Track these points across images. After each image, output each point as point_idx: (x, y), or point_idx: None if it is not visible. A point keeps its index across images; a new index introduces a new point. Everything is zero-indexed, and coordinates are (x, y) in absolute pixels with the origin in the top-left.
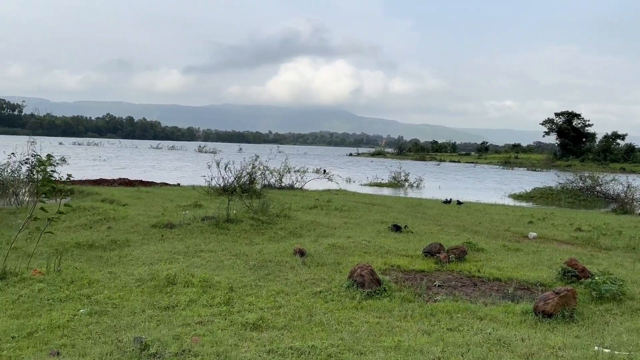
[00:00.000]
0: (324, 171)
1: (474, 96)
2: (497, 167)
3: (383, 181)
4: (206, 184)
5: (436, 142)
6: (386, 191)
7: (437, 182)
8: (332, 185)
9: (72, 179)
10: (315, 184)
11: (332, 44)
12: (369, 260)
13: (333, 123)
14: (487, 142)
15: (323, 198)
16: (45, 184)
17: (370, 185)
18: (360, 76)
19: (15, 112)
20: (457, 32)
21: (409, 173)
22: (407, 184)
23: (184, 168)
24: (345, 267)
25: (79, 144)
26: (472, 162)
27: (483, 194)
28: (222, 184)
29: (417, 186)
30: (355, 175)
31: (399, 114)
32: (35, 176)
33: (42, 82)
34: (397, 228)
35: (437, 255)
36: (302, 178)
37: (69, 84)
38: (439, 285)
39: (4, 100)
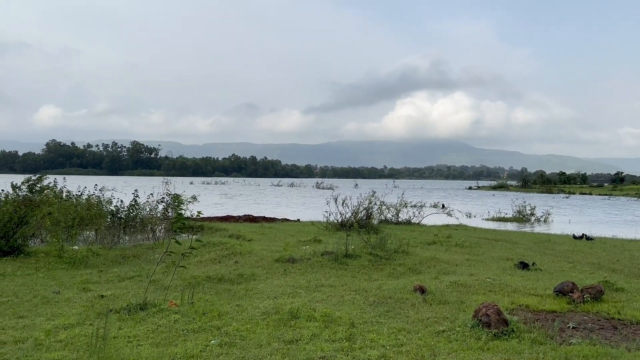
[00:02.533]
0: (442, 206)
1: (606, 123)
2: (636, 199)
3: (507, 215)
4: (324, 220)
5: (564, 173)
6: (510, 226)
7: (566, 216)
8: (452, 220)
9: (201, 215)
10: (433, 219)
11: (450, 77)
12: (494, 299)
13: (450, 156)
14: (622, 172)
15: (442, 233)
16: (177, 220)
17: (493, 220)
18: (480, 107)
19: (152, 155)
20: (581, 57)
21: (535, 207)
22: (533, 218)
23: (304, 204)
24: (469, 306)
25: (208, 183)
26: (605, 194)
27: (620, 228)
28: (339, 220)
29: (545, 221)
30: (476, 209)
31: (522, 145)
32: (170, 213)
33: (176, 126)
34: (524, 265)
35: (570, 294)
36: (419, 213)
37: (200, 127)
38: (572, 327)
39: (143, 144)
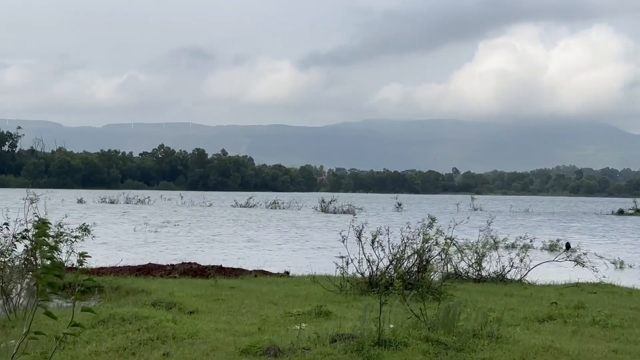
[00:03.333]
0: (567, 246)
1: None
2: None
3: None
4: (338, 274)
5: None
6: None
7: None
8: (585, 275)
9: (92, 264)
10: (549, 272)
11: None
12: None
13: (582, 151)
14: None
15: (567, 300)
16: (48, 273)
17: None
18: None
19: (5, 148)
20: None
21: None
22: None
23: (297, 243)
24: None
25: (112, 201)
26: None
27: None
28: (366, 273)
29: None
30: (634, 254)
31: None
32: (38, 260)
33: (54, 93)
34: None
35: None
36: (522, 261)
37: (100, 94)
38: None
39: None
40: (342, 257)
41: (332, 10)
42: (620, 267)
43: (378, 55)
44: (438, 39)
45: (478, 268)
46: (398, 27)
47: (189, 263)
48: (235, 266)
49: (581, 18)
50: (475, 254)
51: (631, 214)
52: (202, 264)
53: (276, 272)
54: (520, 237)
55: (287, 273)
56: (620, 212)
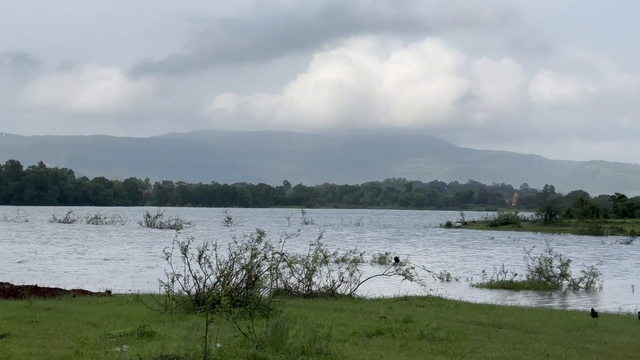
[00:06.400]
0: (396, 260)
1: None
2: None
3: (517, 278)
4: (163, 291)
5: (622, 196)
6: (524, 298)
7: (626, 279)
8: (414, 288)
9: None
10: (378, 285)
11: (418, 10)
12: None
13: (413, 164)
14: None
15: (396, 314)
16: None
17: (491, 286)
18: (473, 69)
19: None
20: None
21: (569, 261)
22: (565, 283)
23: (120, 259)
24: None
25: None
26: None
27: None
28: (193, 290)
29: (587, 288)
30: (460, 267)
31: (547, 143)
32: None
33: None
34: None
35: None
36: (352, 275)
37: None
38: None
39: None
40: (167, 274)
41: (165, 18)
42: (447, 280)
43: (213, 64)
44: (274, 49)
45: (308, 283)
46: (234, 37)
47: (1, 283)
48: (52, 286)
49: (415, 31)
50: (305, 269)
51: (458, 227)
52: (16, 283)
53: (96, 291)
54: (351, 251)
55: (109, 292)
56: (448, 225)
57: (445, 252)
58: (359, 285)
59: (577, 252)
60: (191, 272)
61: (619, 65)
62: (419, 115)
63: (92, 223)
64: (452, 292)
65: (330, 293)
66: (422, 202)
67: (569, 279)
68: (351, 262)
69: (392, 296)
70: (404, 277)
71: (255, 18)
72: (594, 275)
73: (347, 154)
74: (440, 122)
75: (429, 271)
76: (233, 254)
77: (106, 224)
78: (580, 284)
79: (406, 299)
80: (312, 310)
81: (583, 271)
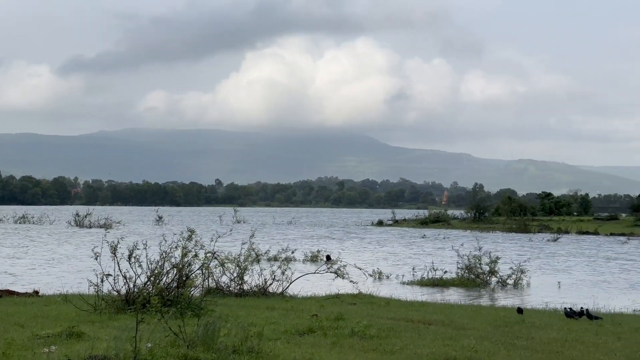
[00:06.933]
0: (328, 258)
1: (623, 106)
2: None
3: (447, 275)
4: (92, 291)
5: (549, 194)
6: (453, 294)
7: (553, 275)
8: (345, 286)
9: None
10: (310, 284)
11: (350, 10)
12: None
13: (345, 163)
14: None
15: (328, 312)
16: None
17: (422, 284)
18: (405, 69)
19: None
20: None
21: (497, 258)
22: (493, 280)
23: (45, 258)
24: None
25: None
26: (622, 234)
27: None
28: (123, 290)
29: (515, 284)
30: (391, 265)
31: (477, 143)
32: None
33: None
34: None
35: None
36: (284, 273)
37: None
38: None
39: None
40: (96, 274)
41: (96, 15)
42: (379, 278)
43: (144, 62)
44: (206, 48)
45: (240, 282)
46: (166, 35)
47: None
48: None
49: (348, 31)
50: (237, 268)
51: (390, 225)
52: None
53: (24, 291)
54: (283, 250)
55: (37, 292)
56: (380, 223)
57: (377, 250)
58: (290, 283)
59: (505, 249)
60: (121, 271)
61: (546, 66)
62: (352, 114)
63: (20, 222)
64: (384, 289)
65: (262, 292)
66: (354, 201)
67: (498, 275)
68: (283, 260)
69: (324, 294)
70: (335, 275)
71: (187, 16)
72: (522, 272)
73: (279, 153)
74: (372, 121)
75: (361, 269)
76: (163, 253)
77: (34, 223)
78: (509, 281)
79: (338, 297)
80: (243, 309)
81: (511, 268)
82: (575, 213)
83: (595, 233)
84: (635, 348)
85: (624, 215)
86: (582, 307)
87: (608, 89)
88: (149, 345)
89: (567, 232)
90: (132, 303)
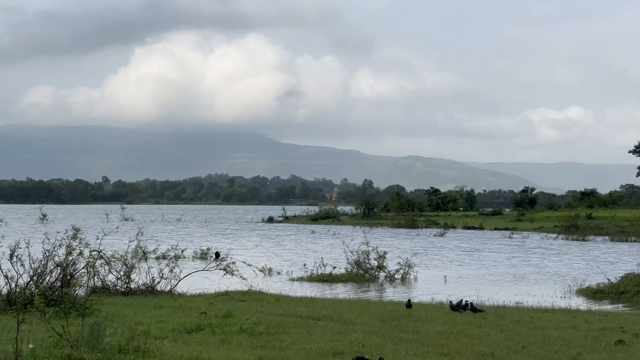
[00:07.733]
0: (217, 255)
1: (507, 103)
2: (555, 236)
3: (336, 271)
4: None
5: (437, 190)
6: (342, 290)
7: (439, 270)
8: (234, 283)
9: None
10: (199, 281)
11: (241, 5)
12: None
13: (235, 160)
14: (533, 189)
15: (216, 309)
16: None
17: (311, 279)
18: (295, 66)
19: None
20: None
21: (385, 253)
22: (382, 274)
23: None
24: None
25: None
26: (506, 228)
27: (529, 289)
28: (4, 290)
29: (403, 279)
30: (280, 261)
31: (367, 139)
32: None
33: None
34: None
35: None
36: (172, 271)
37: None
38: None
39: None
40: None
41: None
42: (269, 274)
43: (29, 57)
44: (94, 42)
45: (127, 280)
46: (52, 29)
47: None
48: None
49: (239, 27)
50: (124, 266)
51: (280, 221)
52: None
53: None
54: (172, 247)
55: None
56: (270, 220)
57: (267, 247)
58: (179, 281)
59: (393, 244)
60: (2, 271)
61: (434, 65)
62: (242, 111)
63: None
64: (274, 286)
65: (150, 290)
66: (244, 198)
67: (386, 270)
68: (171, 258)
69: (214, 292)
70: (225, 272)
71: (75, 10)
72: (409, 266)
73: (169, 150)
74: (263, 118)
75: (250, 265)
76: (47, 252)
77: None
78: (397, 276)
79: (227, 294)
80: (130, 307)
81: (399, 263)
82: (461, 208)
83: (481, 228)
84: (516, 339)
85: (507, 210)
86: (466, 301)
87: (493, 87)
88: (31, 346)
89: (453, 227)
90: (14, 303)
